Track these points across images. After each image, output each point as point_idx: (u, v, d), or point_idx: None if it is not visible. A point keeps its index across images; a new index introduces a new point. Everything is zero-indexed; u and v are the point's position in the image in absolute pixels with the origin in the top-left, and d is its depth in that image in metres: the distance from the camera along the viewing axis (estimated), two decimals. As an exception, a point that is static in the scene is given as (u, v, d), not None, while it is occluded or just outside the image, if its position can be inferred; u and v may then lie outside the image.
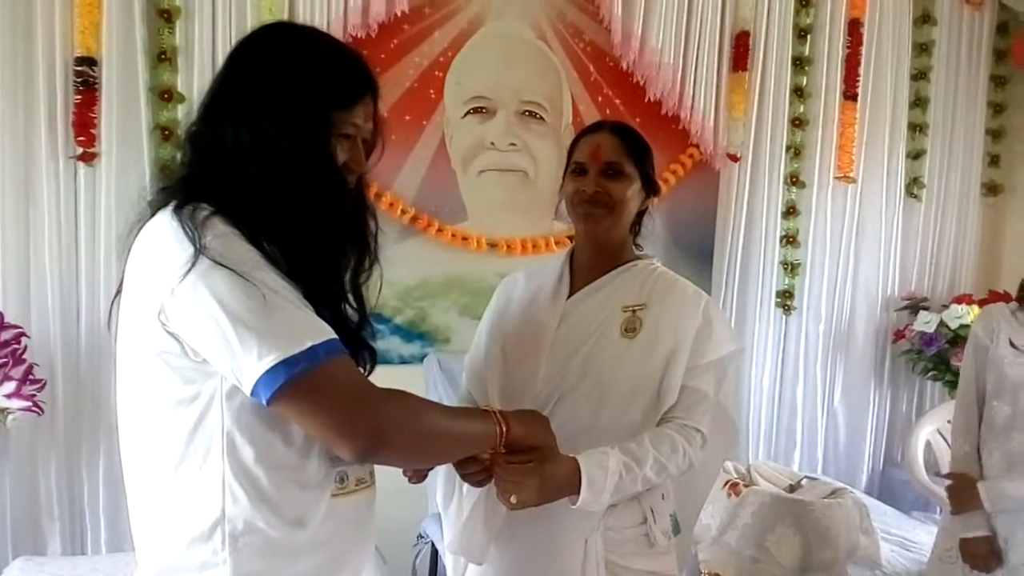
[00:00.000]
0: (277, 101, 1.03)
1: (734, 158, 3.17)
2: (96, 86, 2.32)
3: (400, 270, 2.77)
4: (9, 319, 2.16)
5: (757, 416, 3.33)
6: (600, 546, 1.43)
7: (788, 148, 3.25)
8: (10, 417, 2.02)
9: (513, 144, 2.91)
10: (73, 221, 2.34)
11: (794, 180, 3.27)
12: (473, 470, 1.27)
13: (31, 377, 2.08)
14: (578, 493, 1.28)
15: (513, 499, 1.25)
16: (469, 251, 2.88)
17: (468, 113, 2.86)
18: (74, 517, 2.41)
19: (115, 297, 1.08)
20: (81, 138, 2.31)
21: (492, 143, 2.89)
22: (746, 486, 2.28)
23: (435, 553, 2.49)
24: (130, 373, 1.04)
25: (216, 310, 0.93)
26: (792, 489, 2.36)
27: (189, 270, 0.94)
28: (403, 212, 2.77)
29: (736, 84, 3.13)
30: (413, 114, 2.78)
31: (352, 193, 1.13)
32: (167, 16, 2.38)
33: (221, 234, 0.97)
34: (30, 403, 2.01)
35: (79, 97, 2.30)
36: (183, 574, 1.01)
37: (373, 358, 1.17)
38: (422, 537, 2.51)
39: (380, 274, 1.20)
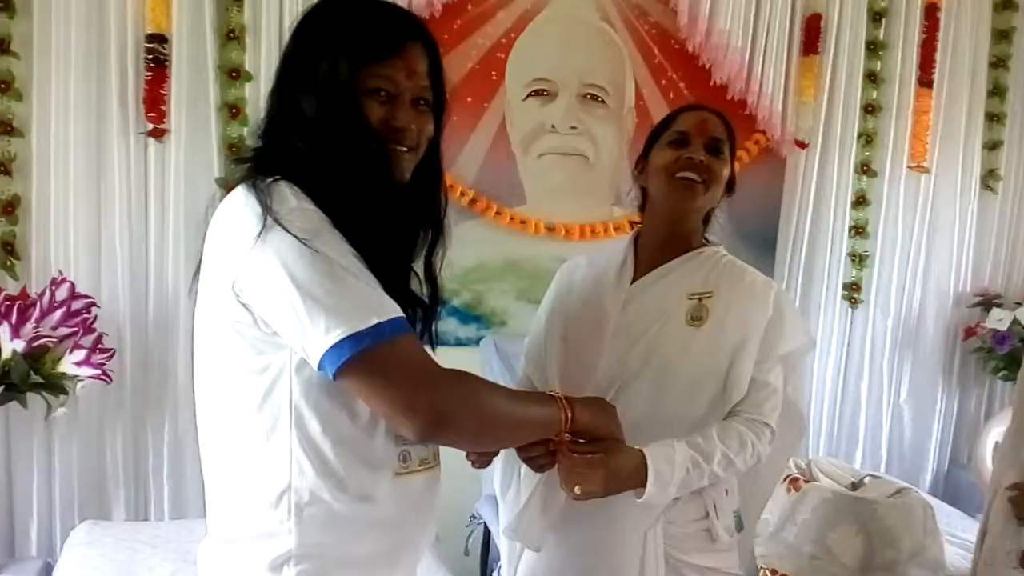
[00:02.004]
0: (303, 64, 1.05)
1: (802, 145, 3.08)
2: (166, 63, 2.36)
3: (458, 252, 2.69)
4: (80, 289, 2.23)
5: (819, 411, 3.25)
6: (660, 539, 1.41)
7: (860, 135, 3.15)
8: (80, 384, 2.08)
9: (574, 127, 2.88)
10: (143, 195, 2.39)
11: (865, 169, 3.17)
12: (536, 454, 1.24)
13: (100, 346, 2.13)
14: (643, 486, 1.26)
15: (577, 490, 1.23)
16: (527, 235, 2.86)
17: (529, 95, 2.84)
18: (139, 483, 2.48)
19: (196, 272, 1.09)
20: (151, 114, 2.36)
21: (553, 126, 2.86)
22: (806, 482, 2.22)
23: (487, 535, 2.50)
24: (206, 343, 1.06)
25: (285, 282, 0.94)
26: (854, 487, 2.29)
27: (259, 240, 0.95)
28: (462, 194, 2.76)
29: (806, 68, 3.03)
30: (474, 96, 2.77)
31: (421, 162, 1.12)
32: (236, -5, 2.41)
33: (290, 204, 0.97)
34: (99, 371, 2.07)
35: (150, 74, 2.35)
36: (249, 542, 1.02)
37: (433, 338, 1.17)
38: (475, 518, 2.52)
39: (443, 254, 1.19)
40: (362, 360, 0.93)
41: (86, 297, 2.21)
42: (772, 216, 3.16)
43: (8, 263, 2.29)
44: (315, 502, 1.00)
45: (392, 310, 0.98)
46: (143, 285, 2.42)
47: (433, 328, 1.21)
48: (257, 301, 0.97)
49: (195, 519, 2.34)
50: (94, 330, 2.15)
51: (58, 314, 2.06)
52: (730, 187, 1.53)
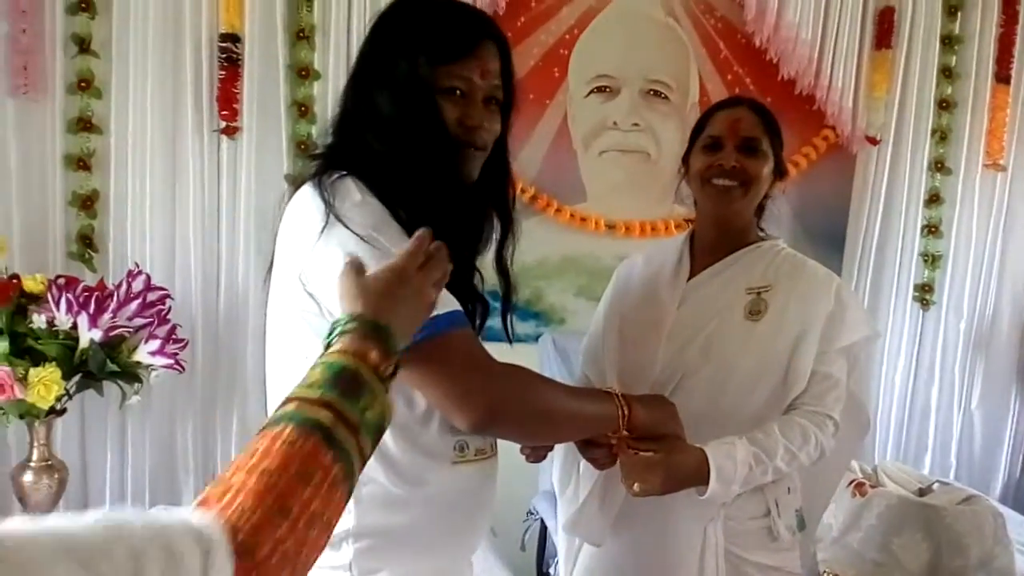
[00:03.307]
0: (380, 62, 1.07)
1: (873, 141, 3.00)
2: (239, 62, 2.42)
3: (518, 249, 2.77)
4: (155, 282, 2.31)
5: (887, 415, 3.17)
6: (720, 535, 1.40)
7: (934, 132, 3.05)
8: (153, 373, 2.15)
9: (636, 124, 2.86)
10: (216, 191, 2.46)
11: (939, 166, 3.08)
12: (597, 454, 1.24)
13: (174, 336, 2.21)
14: (705, 484, 1.25)
15: (636, 487, 1.23)
16: (587, 232, 2.86)
17: (591, 92, 2.83)
18: (208, 471, 2.55)
19: (270, 267, 1.12)
20: (224, 112, 2.42)
21: (615, 123, 2.85)
22: (872, 487, 2.17)
23: (544, 531, 2.51)
24: (276, 332, 1.09)
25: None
26: (922, 493, 2.23)
27: (323, 235, 0.98)
28: (523, 191, 2.76)
29: (879, 63, 2.95)
30: (536, 93, 2.77)
31: (489, 159, 1.13)
32: (307, -5, 2.47)
33: (354, 199, 1.00)
34: (172, 360, 2.13)
35: (223, 72, 2.41)
36: None
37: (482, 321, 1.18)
38: (532, 513, 2.53)
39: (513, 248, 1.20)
40: (417, 352, 0.94)
41: (160, 289, 2.28)
42: (841, 214, 3.09)
43: (86, 256, 2.39)
44: (373, 485, 1.02)
45: (449, 303, 0.99)
46: (215, 278, 2.49)
47: (510, 320, 1.22)
48: (322, 292, 0.99)
49: (260, 506, 2.40)
50: (168, 321, 2.22)
51: (134, 305, 2.13)
52: (781, 172, 1.51)
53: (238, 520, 0.62)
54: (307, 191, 1.04)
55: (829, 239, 3.05)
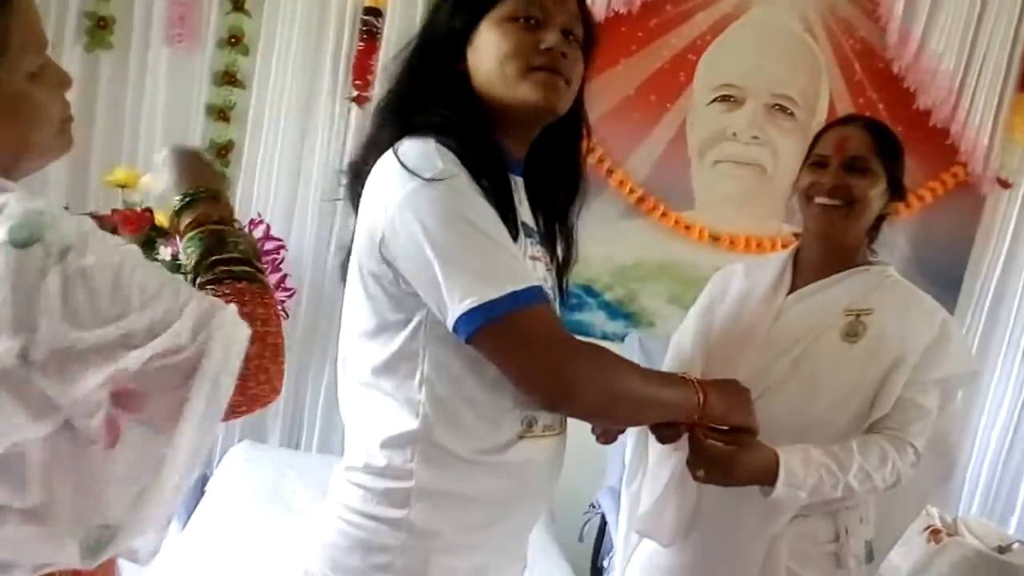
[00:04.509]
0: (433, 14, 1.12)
1: (1005, 184, 2.87)
2: (378, 35, 2.54)
3: (618, 248, 2.80)
4: (274, 232, 2.46)
5: (978, 469, 3.03)
6: (784, 553, 1.39)
7: (1069, 183, 2.89)
8: (260, 318, 2.29)
9: (756, 137, 2.82)
10: (340, 155, 2.59)
11: (1070, 218, 2.91)
12: (668, 432, 1.21)
13: (283, 285, 2.35)
14: (772, 484, 1.24)
15: (701, 473, 1.23)
16: (690, 240, 2.84)
17: (715, 100, 2.81)
18: (295, 415, 2.71)
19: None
20: (358, 82, 2.55)
21: (734, 134, 2.82)
22: (949, 535, 2.10)
23: (604, 525, 2.53)
24: (353, 293, 1.08)
25: (425, 244, 0.95)
26: (1002, 551, 2.14)
27: (402, 201, 0.96)
28: (631, 191, 2.77)
29: (1020, 105, 2.82)
30: (659, 95, 2.77)
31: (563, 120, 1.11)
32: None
33: (435, 166, 0.97)
34: (279, 307, 2.27)
35: (362, 44, 2.54)
36: (374, 478, 1.05)
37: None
38: (594, 507, 2.55)
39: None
40: (495, 327, 0.94)
41: (277, 240, 2.43)
42: (960, 255, 2.96)
43: (216, 201, 2.56)
44: (438, 449, 1.02)
45: (528, 278, 0.98)
46: (327, 236, 2.62)
47: (565, 284, 1.20)
48: (399, 259, 0.98)
49: (340, 456, 2.51)
50: (280, 270, 2.36)
51: (252, 251, 2.27)
52: (900, 194, 1.47)
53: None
54: (389, 156, 1.02)
55: (945, 279, 2.92)
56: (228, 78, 2.54)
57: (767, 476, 1.24)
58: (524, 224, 1.08)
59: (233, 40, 2.52)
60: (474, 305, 0.94)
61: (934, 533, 2.10)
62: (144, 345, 0.70)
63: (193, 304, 0.74)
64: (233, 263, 0.88)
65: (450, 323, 0.96)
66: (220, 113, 2.55)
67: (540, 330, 0.99)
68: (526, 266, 1.03)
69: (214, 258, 0.88)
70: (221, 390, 0.74)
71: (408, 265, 0.98)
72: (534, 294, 0.98)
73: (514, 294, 0.95)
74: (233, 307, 0.77)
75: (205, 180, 0.96)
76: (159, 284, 0.74)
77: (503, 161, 1.07)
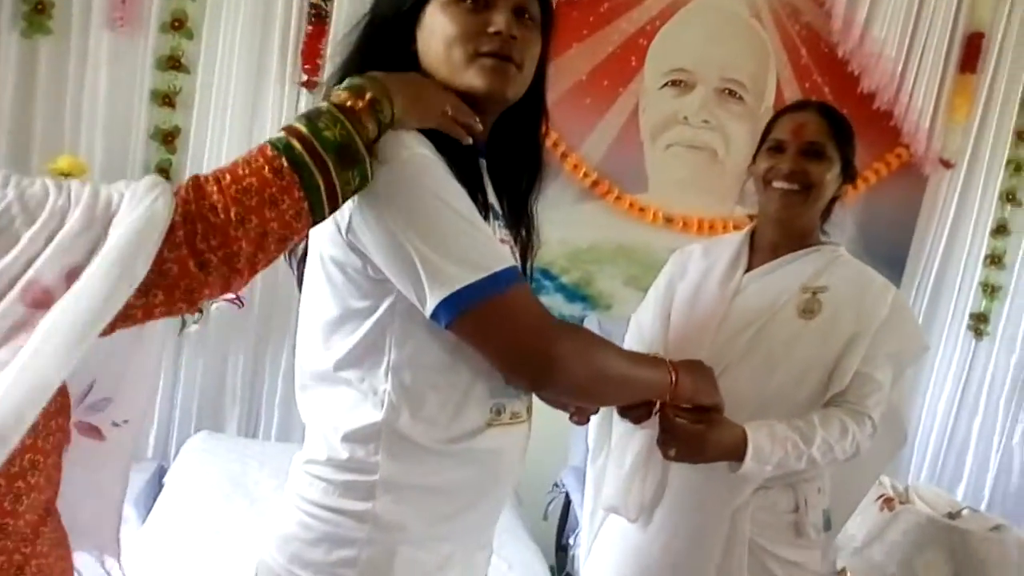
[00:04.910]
0: None
1: (947, 164, 2.96)
2: (327, 18, 2.49)
3: (574, 231, 2.81)
4: (224, 221, 2.40)
5: (926, 439, 3.15)
6: (747, 525, 1.42)
7: (1008, 162, 3.01)
8: (214, 306, 2.25)
9: (706, 121, 2.86)
10: (290, 140, 2.55)
11: (1010, 197, 3.03)
12: (636, 412, 1.23)
13: (236, 273, 2.30)
14: (740, 460, 1.28)
15: (672, 452, 1.26)
16: (644, 223, 2.86)
17: (666, 85, 2.83)
18: (252, 404, 2.66)
19: None
20: (307, 66, 2.50)
21: (685, 118, 2.85)
22: (901, 503, 2.17)
23: (568, 504, 2.55)
24: (313, 282, 1.05)
25: (399, 230, 0.92)
26: (951, 517, 2.22)
27: (374, 187, 0.92)
28: (585, 175, 2.78)
29: (961, 86, 2.91)
30: (611, 80, 2.79)
31: (526, 97, 1.07)
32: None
33: (409, 149, 0.94)
34: (234, 296, 2.23)
35: (310, 28, 2.49)
36: (335, 468, 1.02)
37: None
38: (558, 486, 2.57)
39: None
40: (477, 310, 0.93)
41: (227, 228, 2.37)
42: (904, 233, 3.06)
43: (163, 189, 2.49)
44: (404, 441, 1.00)
45: (506, 259, 0.97)
46: (280, 223, 2.57)
47: (529, 267, 1.18)
48: (369, 246, 0.95)
49: (299, 444, 2.48)
50: (232, 258, 2.31)
51: (203, 239, 2.23)
52: (852, 176, 1.51)
53: (200, 202, 0.79)
54: None
55: (889, 257, 3.00)
56: (172, 63, 2.46)
57: (735, 452, 1.28)
58: (492, 206, 1.06)
59: (177, 24, 2.45)
60: (455, 288, 0.92)
61: (887, 501, 2.17)
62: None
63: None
64: (308, 152, 0.84)
65: (429, 309, 0.94)
66: (165, 99, 2.48)
67: (522, 311, 0.98)
68: (503, 247, 1.01)
69: (304, 115, 0.88)
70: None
71: (380, 251, 0.94)
72: (513, 275, 0.96)
73: (495, 276, 0.94)
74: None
75: (386, 81, 0.94)
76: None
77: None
